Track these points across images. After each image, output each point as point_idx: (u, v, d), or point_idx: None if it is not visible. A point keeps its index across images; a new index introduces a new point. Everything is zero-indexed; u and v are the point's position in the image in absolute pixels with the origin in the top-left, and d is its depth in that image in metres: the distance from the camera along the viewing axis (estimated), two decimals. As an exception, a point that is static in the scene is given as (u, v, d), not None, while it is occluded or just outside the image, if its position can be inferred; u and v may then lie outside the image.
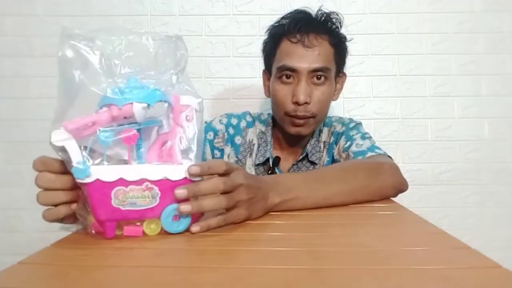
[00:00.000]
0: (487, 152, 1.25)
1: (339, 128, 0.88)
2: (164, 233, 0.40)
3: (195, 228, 0.40)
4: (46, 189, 0.39)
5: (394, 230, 0.42)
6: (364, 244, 0.36)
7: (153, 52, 0.40)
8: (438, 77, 1.26)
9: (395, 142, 1.27)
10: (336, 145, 0.86)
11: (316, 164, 0.87)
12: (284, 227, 0.43)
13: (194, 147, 0.42)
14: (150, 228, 0.39)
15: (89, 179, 0.35)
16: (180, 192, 0.38)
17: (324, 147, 0.89)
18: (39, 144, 1.25)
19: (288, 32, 0.79)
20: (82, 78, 0.36)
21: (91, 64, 0.36)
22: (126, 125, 0.37)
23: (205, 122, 0.90)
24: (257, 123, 0.93)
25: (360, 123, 0.89)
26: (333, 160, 0.86)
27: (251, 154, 0.89)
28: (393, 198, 0.64)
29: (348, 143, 0.81)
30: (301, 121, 0.79)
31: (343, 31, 0.83)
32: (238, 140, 0.90)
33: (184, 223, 0.40)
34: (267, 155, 0.87)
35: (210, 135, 0.88)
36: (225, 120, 0.91)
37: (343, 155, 0.81)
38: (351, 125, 0.87)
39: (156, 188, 0.38)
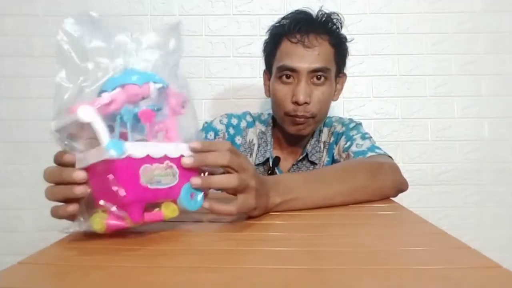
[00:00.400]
0: (487, 152, 1.25)
1: (339, 128, 0.88)
2: (178, 217, 0.40)
3: (187, 159, 0.40)
4: (56, 183, 0.37)
5: (394, 230, 0.42)
6: (364, 244, 0.36)
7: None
8: (438, 77, 1.26)
9: (395, 142, 1.27)
10: (336, 145, 0.86)
11: (316, 164, 0.87)
12: (284, 227, 0.43)
13: (198, 137, 0.42)
14: (170, 210, 0.39)
15: (123, 155, 0.34)
16: (187, 160, 0.39)
17: (324, 147, 0.89)
18: (39, 144, 1.25)
19: (288, 32, 0.79)
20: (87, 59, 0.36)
21: (95, 44, 0.36)
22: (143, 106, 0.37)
23: (206, 122, 0.90)
24: (257, 123, 0.93)
25: (360, 123, 0.89)
26: (333, 160, 0.86)
27: (251, 154, 0.90)
28: (393, 198, 0.64)
29: (348, 143, 0.81)
30: (301, 120, 0.80)
31: (343, 31, 0.83)
32: (238, 140, 0.90)
33: (199, 202, 0.41)
34: (267, 155, 0.87)
35: (211, 135, 0.88)
36: (225, 120, 0.91)
37: (343, 155, 0.81)
38: (351, 125, 0.87)
39: (175, 166, 0.38)
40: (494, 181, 1.25)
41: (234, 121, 0.91)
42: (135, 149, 0.35)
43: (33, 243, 1.22)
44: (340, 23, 0.82)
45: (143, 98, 0.37)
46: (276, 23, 0.84)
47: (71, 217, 0.36)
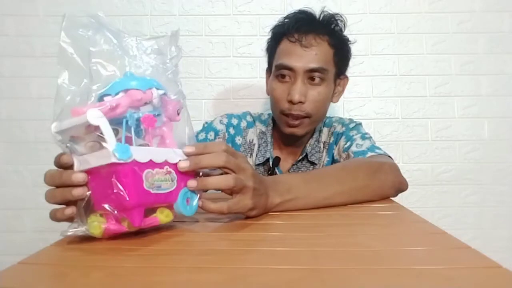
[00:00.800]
0: (487, 152, 1.25)
1: (339, 128, 0.88)
2: (178, 218, 0.40)
3: (183, 163, 0.39)
4: (56, 186, 0.36)
5: (394, 230, 0.42)
6: (364, 244, 0.36)
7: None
8: (438, 77, 1.26)
9: (395, 142, 1.27)
10: (336, 146, 0.86)
11: (316, 164, 0.87)
12: (283, 227, 0.43)
13: (190, 142, 0.43)
14: (165, 214, 0.39)
15: (130, 159, 0.34)
16: (183, 163, 0.39)
17: (324, 147, 0.89)
18: (39, 144, 1.25)
19: (288, 32, 0.79)
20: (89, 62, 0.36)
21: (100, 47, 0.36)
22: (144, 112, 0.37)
23: (206, 123, 0.90)
24: (257, 123, 0.93)
25: (360, 124, 0.89)
26: (333, 161, 0.86)
27: (251, 154, 0.90)
28: (393, 198, 0.64)
29: (348, 143, 0.81)
30: (296, 122, 0.80)
31: (345, 31, 0.83)
32: (238, 140, 0.90)
33: (194, 207, 0.41)
34: (267, 155, 0.87)
35: (211, 135, 0.88)
36: (225, 120, 0.91)
37: (343, 155, 0.81)
38: (351, 125, 0.87)
39: (173, 172, 0.39)
40: (493, 181, 1.25)
41: (234, 121, 0.91)
42: (140, 153, 0.35)
43: (33, 243, 1.22)
44: (343, 25, 0.82)
45: (145, 103, 0.37)
46: (279, 22, 0.84)
47: (70, 220, 0.36)
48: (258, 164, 0.87)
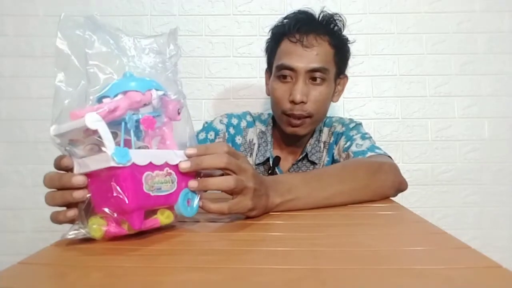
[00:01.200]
0: (487, 152, 1.25)
1: (339, 128, 0.88)
2: (179, 218, 0.40)
3: (184, 164, 0.39)
4: (57, 189, 0.36)
5: (394, 230, 0.42)
6: (364, 244, 0.36)
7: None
8: (438, 77, 1.27)
9: (395, 142, 1.27)
10: (336, 145, 0.86)
11: (316, 164, 0.87)
12: (284, 227, 0.43)
13: (191, 142, 0.43)
14: (165, 216, 0.39)
15: (129, 162, 0.33)
16: (184, 164, 0.39)
17: (324, 147, 0.89)
18: (39, 144, 1.25)
19: (289, 32, 0.79)
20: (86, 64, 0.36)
21: (96, 49, 0.36)
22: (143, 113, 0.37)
23: (206, 122, 0.90)
24: (257, 123, 0.94)
25: (360, 124, 0.89)
26: (333, 160, 0.86)
27: (251, 154, 0.90)
28: (393, 198, 0.64)
29: (348, 143, 0.81)
30: (298, 122, 0.80)
31: (344, 31, 0.83)
32: (238, 140, 0.90)
33: (195, 208, 0.41)
34: (267, 155, 0.87)
35: (211, 135, 0.88)
36: (225, 120, 0.91)
37: (343, 155, 0.81)
38: (351, 125, 0.87)
39: (174, 173, 0.39)
40: (493, 181, 1.25)
41: (234, 121, 0.91)
42: (139, 156, 0.35)
43: (33, 243, 1.22)
44: (343, 24, 0.82)
45: (145, 105, 0.37)
46: (279, 22, 0.84)
47: (72, 222, 0.36)
48: (258, 164, 0.87)
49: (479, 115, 1.26)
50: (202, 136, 0.87)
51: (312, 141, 0.89)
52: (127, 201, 0.33)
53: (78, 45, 0.36)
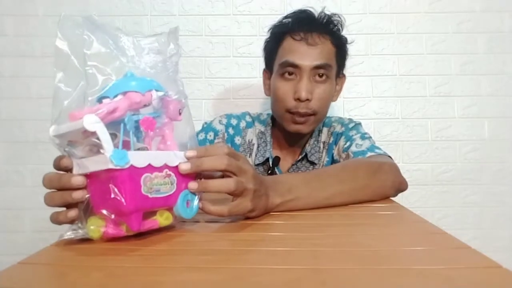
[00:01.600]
0: (487, 152, 1.25)
1: (338, 128, 0.88)
2: (178, 220, 0.40)
3: (184, 166, 0.39)
4: (57, 189, 0.36)
5: (394, 230, 0.42)
6: (364, 244, 0.36)
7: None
8: (438, 77, 1.27)
9: (395, 142, 1.27)
10: (336, 146, 0.86)
11: (315, 164, 0.87)
12: (284, 227, 0.43)
13: (192, 142, 0.42)
14: (165, 217, 0.39)
15: (127, 165, 0.33)
16: (184, 165, 0.39)
17: (323, 147, 0.89)
18: (39, 144, 1.25)
19: (292, 30, 0.79)
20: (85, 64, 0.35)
21: (95, 50, 0.36)
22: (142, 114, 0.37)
23: (205, 123, 0.90)
24: (256, 123, 0.94)
25: (359, 123, 0.89)
26: (333, 161, 0.86)
27: (250, 154, 0.90)
28: (393, 198, 0.64)
29: (348, 143, 0.81)
30: (302, 119, 0.80)
31: (343, 31, 0.84)
32: (238, 140, 0.90)
33: (194, 210, 0.41)
34: (267, 155, 0.87)
35: (211, 136, 0.88)
36: (224, 121, 0.91)
37: (343, 155, 0.81)
38: (351, 125, 0.87)
39: (173, 175, 0.39)
40: (493, 181, 1.25)
41: (234, 122, 0.91)
42: (137, 158, 0.35)
43: (33, 243, 1.22)
44: (341, 25, 0.83)
45: (145, 105, 0.37)
46: (278, 22, 0.84)
47: (72, 223, 0.36)
48: (258, 164, 0.87)
49: (479, 115, 1.26)
50: (201, 136, 0.87)
51: (311, 141, 0.89)
52: (124, 203, 0.33)
53: (77, 45, 0.35)
